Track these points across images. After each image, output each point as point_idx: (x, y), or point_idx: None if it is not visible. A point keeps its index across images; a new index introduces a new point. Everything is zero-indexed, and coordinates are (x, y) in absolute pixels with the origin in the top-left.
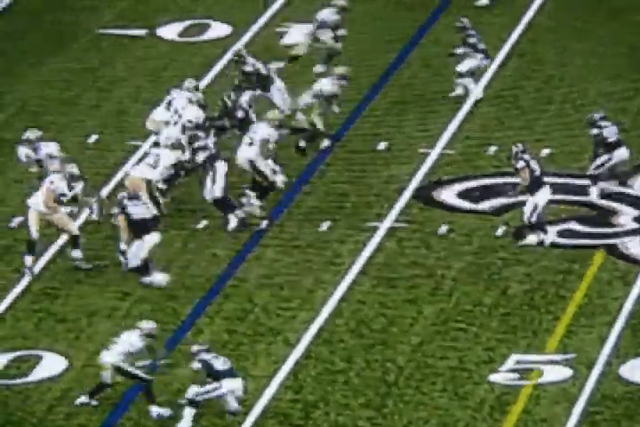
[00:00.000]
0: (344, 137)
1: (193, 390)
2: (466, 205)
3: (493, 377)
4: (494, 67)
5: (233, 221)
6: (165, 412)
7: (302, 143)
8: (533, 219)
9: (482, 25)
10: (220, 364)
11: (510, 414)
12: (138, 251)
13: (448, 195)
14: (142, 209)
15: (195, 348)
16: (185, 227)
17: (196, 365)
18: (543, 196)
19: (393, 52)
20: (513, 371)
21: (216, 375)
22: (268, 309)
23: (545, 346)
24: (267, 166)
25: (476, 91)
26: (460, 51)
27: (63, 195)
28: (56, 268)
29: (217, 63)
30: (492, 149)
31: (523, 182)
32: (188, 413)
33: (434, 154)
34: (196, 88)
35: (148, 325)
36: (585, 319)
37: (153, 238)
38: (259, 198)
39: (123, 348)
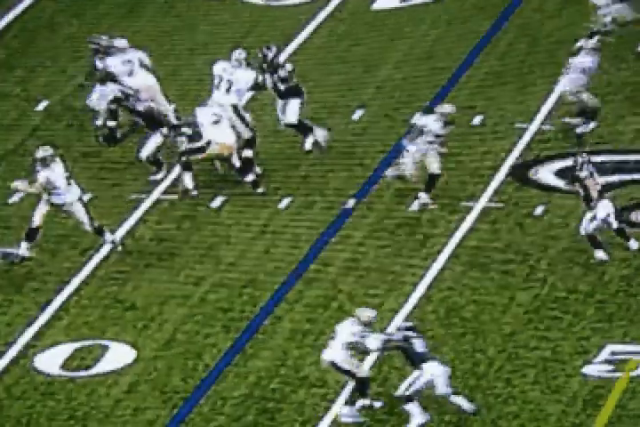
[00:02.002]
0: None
1: (401, 388)
2: (563, 184)
3: (587, 369)
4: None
5: (308, 143)
6: (375, 403)
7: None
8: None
9: None
10: (420, 346)
11: (604, 409)
12: None
13: (545, 173)
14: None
15: (401, 324)
16: (266, 206)
17: (397, 336)
18: (604, 209)
19: (488, 20)
20: (608, 362)
21: (414, 358)
22: (352, 295)
23: None
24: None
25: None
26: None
27: None
28: (124, 251)
29: (303, 29)
30: (591, 124)
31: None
32: (412, 409)
33: (531, 129)
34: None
35: (365, 312)
36: None
37: None
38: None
39: (342, 340)
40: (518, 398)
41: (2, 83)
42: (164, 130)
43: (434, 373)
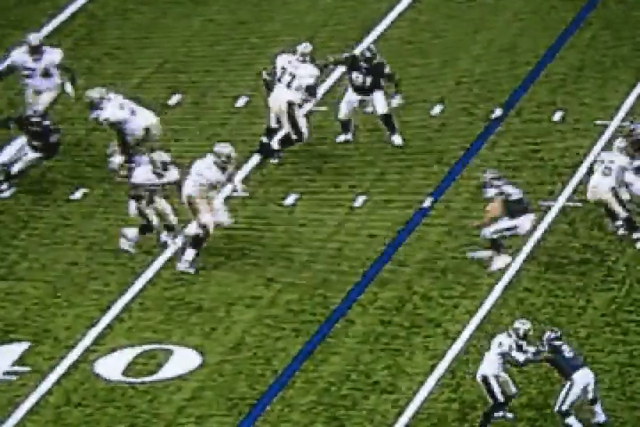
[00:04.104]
0: (517, 104)
1: (557, 403)
2: None
3: None
4: None
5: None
6: (509, 415)
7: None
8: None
9: None
10: (568, 352)
11: None
12: None
13: (625, 172)
14: None
15: (547, 334)
16: (340, 204)
17: (545, 348)
18: (524, 223)
19: (572, 11)
20: None
21: (564, 369)
22: (427, 297)
23: None
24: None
25: None
26: None
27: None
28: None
29: (382, 20)
30: None
31: (491, 214)
32: (573, 422)
33: (612, 126)
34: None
35: (521, 325)
36: None
37: None
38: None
39: (495, 352)
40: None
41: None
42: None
43: (585, 381)
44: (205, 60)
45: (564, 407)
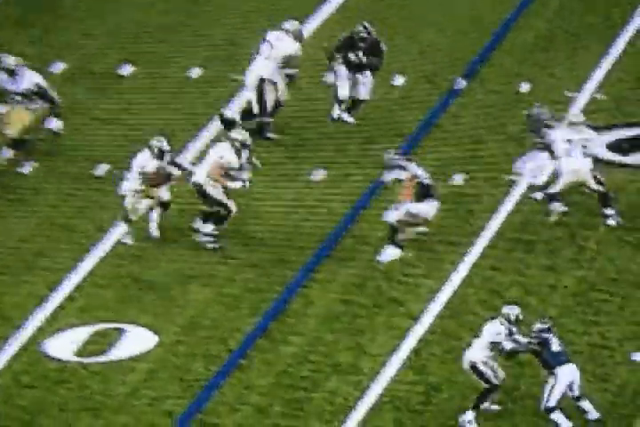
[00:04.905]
0: (481, 75)
1: (542, 399)
2: (615, 157)
3: (638, 356)
4: None
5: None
6: (494, 407)
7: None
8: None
9: None
10: (557, 345)
11: None
12: None
13: (596, 146)
14: None
15: (537, 326)
16: (297, 178)
17: (535, 339)
18: (430, 210)
19: None
20: None
21: (548, 362)
22: (389, 275)
23: None
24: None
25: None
26: None
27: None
28: (145, 227)
29: None
30: None
31: (403, 198)
32: (558, 418)
33: (581, 98)
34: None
35: (510, 310)
36: None
37: None
38: None
39: (485, 340)
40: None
41: (14, 42)
42: None
43: (570, 378)
44: (159, 30)
45: (550, 404)
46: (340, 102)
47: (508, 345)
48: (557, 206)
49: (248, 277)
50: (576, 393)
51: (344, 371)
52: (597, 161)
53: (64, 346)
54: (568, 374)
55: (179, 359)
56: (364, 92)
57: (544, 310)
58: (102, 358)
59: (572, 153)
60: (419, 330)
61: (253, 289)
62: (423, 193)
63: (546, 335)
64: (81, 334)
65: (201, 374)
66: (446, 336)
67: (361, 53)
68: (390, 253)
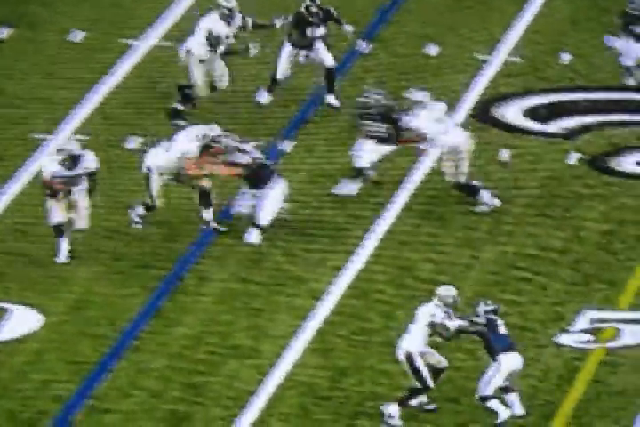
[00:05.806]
0: (384, 36)
1: (480, 386)
2: (532, 125)
3: (561, 338)
4: None
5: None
6: (430, 406)
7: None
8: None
9: None
10: (503, 330)
11: (579, 384)
12: None
13: (511, 112)
14: None
15: (482, 307)
16: None
17: (481, 319)
18: (274, 194)
19: None
20: (585, 331)
21: (493, 347)
22: (290, 251)
23: (624, 300)
24: None
25: None
26: None
27: None
28: (29, 200)
29: None
30: (566, 56)
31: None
32: (495, 406)
33: (495, 61)
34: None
35: (445, 291)
36: None
37: None
38: None
39: (422, 323)
40: (482, 371)
41: None
42: None
43: (512, 368)
44: None
45: (487, 393)
46: (275, 82)
47: (454, 324)
48: (487, 196)
49: (137, 252)
50: (508, 383)
51: (243, 354)
52: (514, 129)
53: None
54: (512, 362)
55: (66, 340)
56: (328, 60)
57: (459, 290)
58: None
59: (446, 130)
60: (323, 311)
61: (143, 265)
62: (261, 176)
63: (493, 317)
64: None
65: (91, 357)
66: (353, 317)
67: (315, 27)
68: (255, 235)
